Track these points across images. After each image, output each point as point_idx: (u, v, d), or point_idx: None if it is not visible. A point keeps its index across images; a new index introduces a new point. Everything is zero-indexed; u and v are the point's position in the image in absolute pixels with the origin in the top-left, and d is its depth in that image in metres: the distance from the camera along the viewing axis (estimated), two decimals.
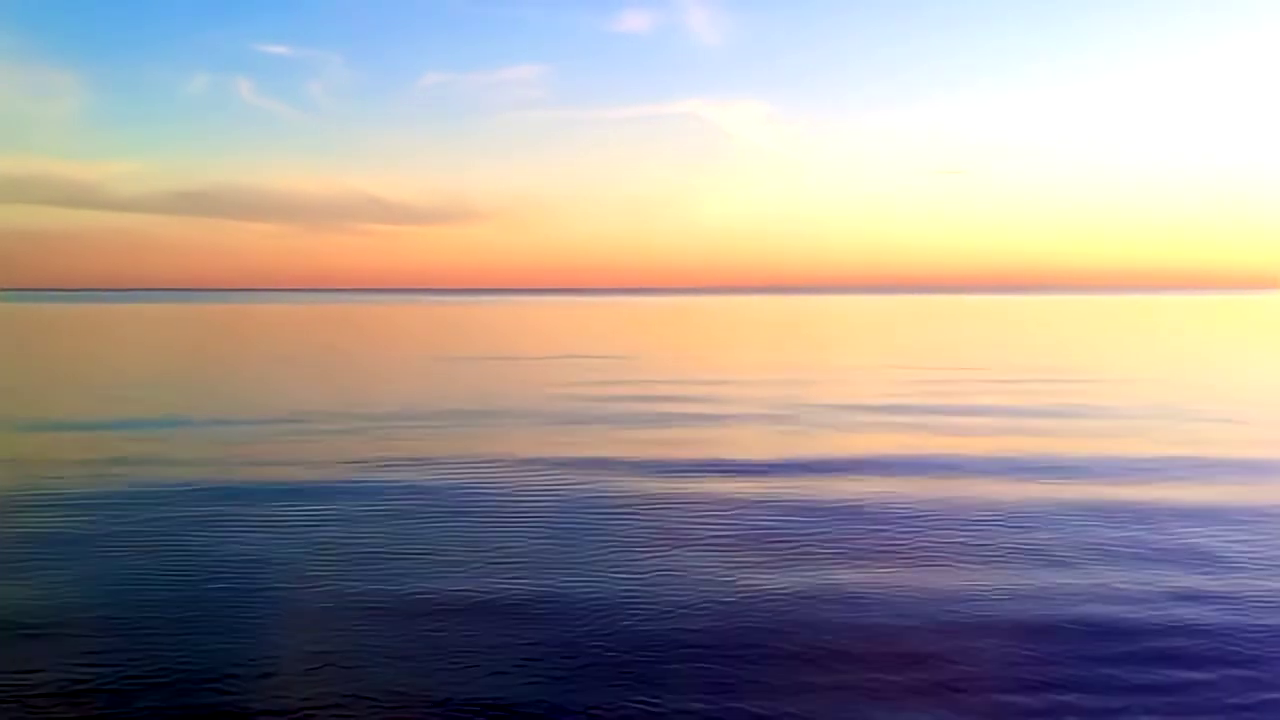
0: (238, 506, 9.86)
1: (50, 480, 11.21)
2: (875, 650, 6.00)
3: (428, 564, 7.82)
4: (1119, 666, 5.74)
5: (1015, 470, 11.69)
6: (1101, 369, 25.94)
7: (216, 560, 7.90)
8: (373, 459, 12.57)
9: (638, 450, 13.21)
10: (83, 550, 8.21)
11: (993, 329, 51.78)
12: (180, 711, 5.21)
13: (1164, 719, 5.09)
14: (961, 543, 8.42)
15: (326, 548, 8.29)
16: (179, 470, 11.82)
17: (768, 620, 6.51)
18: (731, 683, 5.54)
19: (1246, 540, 8.49)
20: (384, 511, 9.62)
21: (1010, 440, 13.96)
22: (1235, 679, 5.59)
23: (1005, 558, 7.96)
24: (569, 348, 36.11)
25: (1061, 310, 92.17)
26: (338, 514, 9.52)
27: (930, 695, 5.36)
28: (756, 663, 5.82)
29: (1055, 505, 9.82)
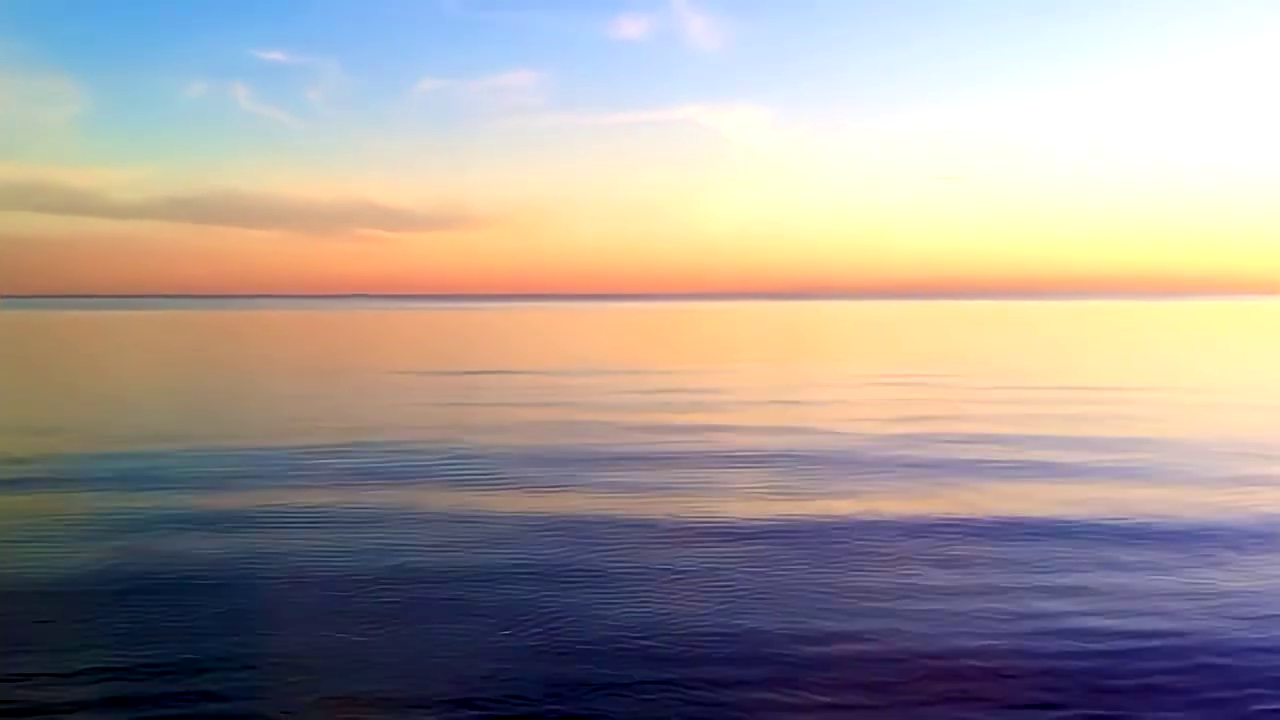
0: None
1: None
2: None
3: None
4: None
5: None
6: (1162, 387, 24.49)
7: None
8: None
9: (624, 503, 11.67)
10: None
11: (997, 335, 50.33)
12: None
13: None
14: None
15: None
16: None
17: None
18: None
19: None
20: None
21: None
22: None
23: None
24: (568, 357, 34.66)
25: (1065, 315, 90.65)
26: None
27: None
28: None
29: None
